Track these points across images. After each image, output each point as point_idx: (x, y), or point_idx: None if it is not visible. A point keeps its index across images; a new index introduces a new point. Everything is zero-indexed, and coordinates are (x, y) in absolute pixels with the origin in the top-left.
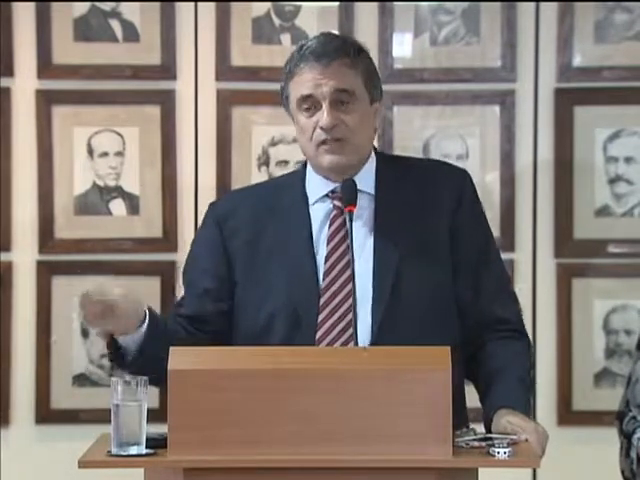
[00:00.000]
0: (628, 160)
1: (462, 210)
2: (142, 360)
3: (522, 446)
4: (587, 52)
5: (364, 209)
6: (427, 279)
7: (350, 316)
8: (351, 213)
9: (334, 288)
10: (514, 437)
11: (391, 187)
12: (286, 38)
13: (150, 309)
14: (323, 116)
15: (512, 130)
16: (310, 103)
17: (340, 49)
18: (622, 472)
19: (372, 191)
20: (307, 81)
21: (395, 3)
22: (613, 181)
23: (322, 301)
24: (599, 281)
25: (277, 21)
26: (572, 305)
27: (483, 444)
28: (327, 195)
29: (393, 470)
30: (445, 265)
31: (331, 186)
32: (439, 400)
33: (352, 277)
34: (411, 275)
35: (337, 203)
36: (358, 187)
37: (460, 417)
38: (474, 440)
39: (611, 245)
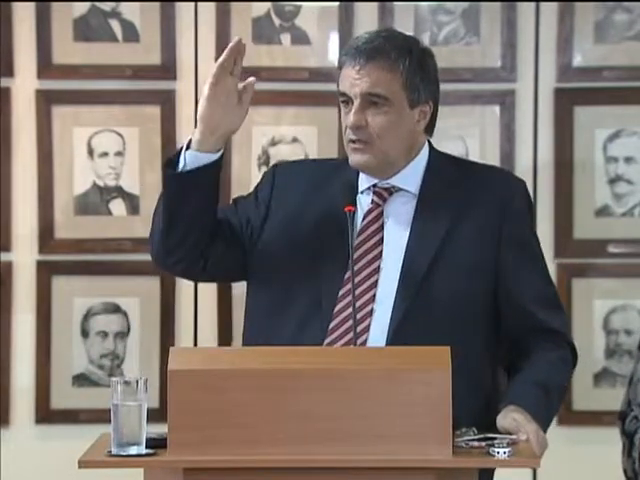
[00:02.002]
0: (628, 160)
1: (509, 220)
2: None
3: (522, 446)
4: (587, 52)
5: (402, 207)
6: (457, 286)
7: (366, 310)
8: (350, 213)
9: (356, 280)
10: (514, 437)
11: (438, 188)
12: (286, 38)
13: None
14: (349, 116)
15: (512, 130)
16: (346, 99)
17: (380, 49)
18: (624, 472)
19: (415, 191)
20: (345, 78)
21: (395, 3)
22: (613, 181)
23: (341, 293)
24: (599, 281)
25: (277, 21)
26: (572, 305)
27: (483, 444)
28: (369, 188)
29: (393, 470)
30: (481, 272)
31: (373, 180)
32: (439, 400)
33: (352, 278)
34: (440, 280)
35: (376, 198)
36: (400, 185)
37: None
38: (474, 440)
39: (611, 245)
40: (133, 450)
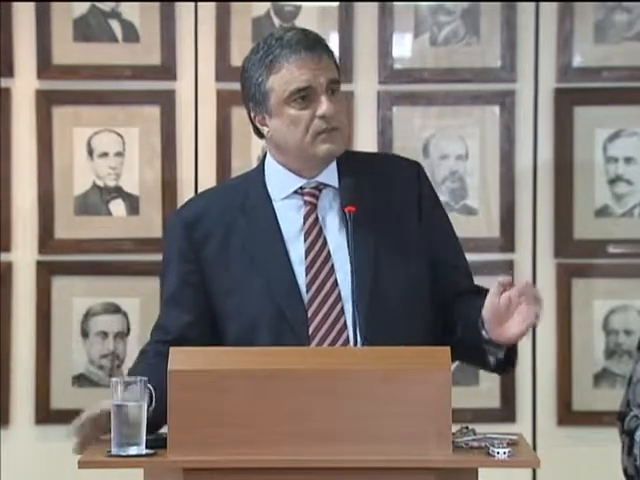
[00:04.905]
0: (628, 160)
1: (425, 201)
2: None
3: (522, 446)
4: (587, 52)
5: (332, 204)
6: (402, 272)
7: (338, 309)
8: (351, 213)
9: (317, 283)
10: (514, 437)
11: (353, 180)
12: None
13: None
14: (324, 105)
15: (512, 130)
16: (305, 94)
17: (321, 40)
18: (624, 470)
19: (336, 185)
20: (303, 73)
21: (395, 3)
22: (613, 181)
23: (308, 297)
24: (599, 281)
25: (277, 21)
26: (572, 305)
27: (483, 444)
28: (296, 192)
29: (393, 470)
30: (416, 256)
31: (299, 182)
32: (439, 400)
33: (352, 279)
34: (388, 269)
35: (308, 199)
36: (325, 182)
37: None
38: (474, 440)
39: (611, 245)
40: (133, 450)
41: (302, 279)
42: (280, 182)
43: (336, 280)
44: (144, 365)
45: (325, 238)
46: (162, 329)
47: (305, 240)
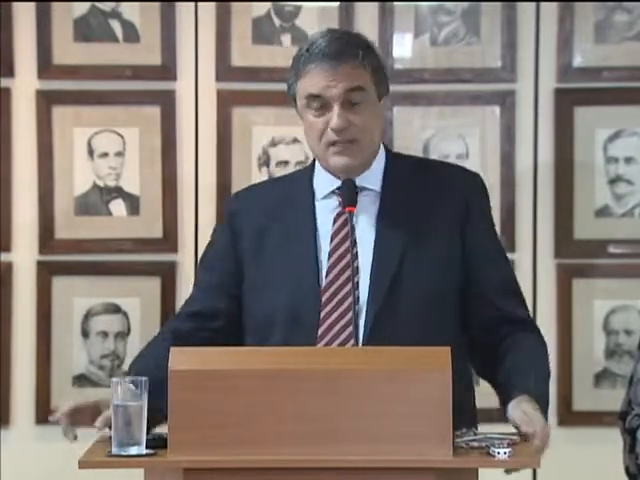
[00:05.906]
0: (628, 160)
1: (472, 214)
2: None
3: (522, 446)
4: (587, 52)
5: (369, 207)
6: (427, 281)
7: (350, 314)
8: (351, 213)
9: (336, 286)
10: (514, 437)
11: (398, 186)
12: (286, 38)
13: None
14: (333, 118)
15: (512, 130)
16: (319, 103)
17: (348, 49)
18: (626, 469)
19: (378, 189)
20: (317, 82)
21: (395, 3)
22: (613, 181)
23: (324, 299)
24: (599, 281)
25: (277, 21)
26: (572, 305)
27: (483, 444)
28: (333, 192)
29: (393, 470)
30: (446, 271)
31: (337, 183)
32: (439, 400)
33: (352, 275)
34: (410, 276)
35: (342, 200)
36: (364, 185)
37: (469, 417)
38: (474, 440)
39: (611, 245)
40: (133, 450)
41: (322, 280)
42: (322, 181)
43: (357, 283)
44: (153, 349)
45: (354, 241)
46: (192, 301)
47: (331, 241)
